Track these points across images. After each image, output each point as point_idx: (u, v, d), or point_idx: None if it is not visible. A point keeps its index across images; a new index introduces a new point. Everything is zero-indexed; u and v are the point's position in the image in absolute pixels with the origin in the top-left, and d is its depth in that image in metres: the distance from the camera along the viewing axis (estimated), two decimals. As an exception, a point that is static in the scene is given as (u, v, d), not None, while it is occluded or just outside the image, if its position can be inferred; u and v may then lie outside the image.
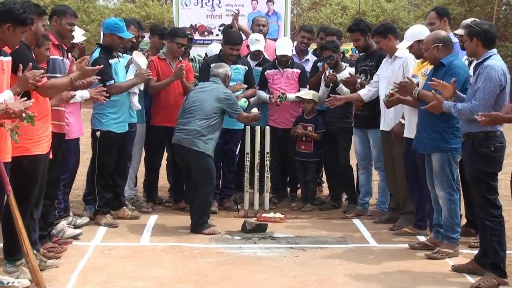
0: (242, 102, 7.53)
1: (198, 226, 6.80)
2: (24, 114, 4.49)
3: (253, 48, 8.23)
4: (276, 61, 8.14)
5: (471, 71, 6.22)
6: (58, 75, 5.74)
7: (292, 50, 8.35)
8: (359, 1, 28.13)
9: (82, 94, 6.43)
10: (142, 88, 7.41)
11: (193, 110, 6.93)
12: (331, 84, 7.78)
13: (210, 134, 6.87)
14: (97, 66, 5.59)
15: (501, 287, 5.21)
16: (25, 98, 4.60)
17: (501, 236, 5.34)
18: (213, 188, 7.08)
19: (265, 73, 8.16)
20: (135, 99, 7.23)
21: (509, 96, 5.42)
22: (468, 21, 6.59)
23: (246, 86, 7.79)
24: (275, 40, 9.27)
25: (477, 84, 5.29)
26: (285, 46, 8.12)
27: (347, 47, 14.67)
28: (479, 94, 5.24)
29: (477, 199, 5.43)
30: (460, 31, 6.66)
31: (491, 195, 5.35)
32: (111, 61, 6.94)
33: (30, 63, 4.77)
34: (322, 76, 7.95)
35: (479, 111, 5.12)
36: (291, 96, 7.97)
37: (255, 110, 7.39)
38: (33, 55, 5.18)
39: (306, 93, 7.95)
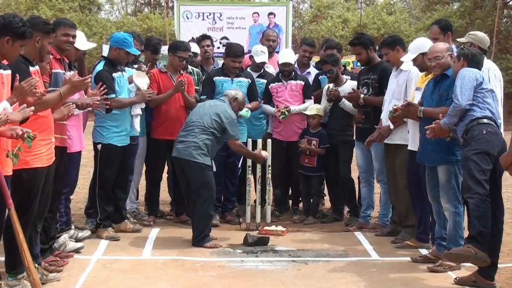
0: (244, 112, 7.54)
1: (200, 239, 6.79)
2: (25, 135, 4.50)
3: (258, 60, 8.21)
4: (280, 74, 8.15)
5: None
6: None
7: (295, 63, 8.34)
8: (360, 14, 28.23)
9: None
10: (141, 108, 7.38)
11: (193, 124, 6.96)
12: (333, 99, 7.78)
13: (209, 148, 6.88)
14: (87, 76, 5.52)
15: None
16: (25, 106, 4.58)
17: (484, 212, 5.24)
18: (213, 201, 7.04)
19: (269, 86, 8.16)
20: (137, 121, 7.23)
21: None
22: (474, 33, 6.63)
23: (250, 107, 7.77)
24: (277, 53, 9.29)
25: (454, 85, 5.60)
26: (287, 55, 8.14)
27: (348, 59, 14.67)
28: (456, 90, 5.54)
29: (465, 179, 5.44)
30: (463, 39, 6.67)
31: (480, 176, 5.31)
32: (114, 74, 6.93)
33: (33, 78, 4.76)
34: (324, 91, 7.95)
35: (459, 102, 5.48)
36: (294, 108, 7.97)
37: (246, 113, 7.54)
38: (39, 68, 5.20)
39: (310, 109, 7.92)
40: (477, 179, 5.32)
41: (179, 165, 7.00)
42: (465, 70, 5.60)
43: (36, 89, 4.71)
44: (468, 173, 5.37)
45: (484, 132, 5.40)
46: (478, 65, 5.76)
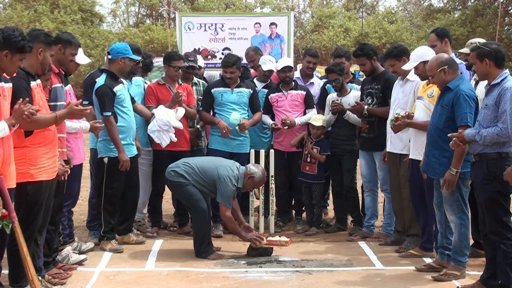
0: (233, 119, 7.59)
1: (202, 250, 6.78)
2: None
3: (266, 67, 8.21)
4: (280, 83, 8.15)
5: (477, 91, 6.20)
6: (59, 103, 5.74)
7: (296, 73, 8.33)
8: (362, 23, 28.28)
9: (81, 126, 6.42)
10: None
11: (197, 163, 6.95)
12: (338, 112, 7.77)
13: (194, 182, 6.85)
14: (88, 107, 5.44)
15: None
16: None
17: None
18: (203, 211, 6.87)
19: (269, 96, 8.15)
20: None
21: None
22: (475, 40, 6.55)
23: (248, 123, 7.77)
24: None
25: (502, 107, 5.16)
26: (285, 61, 8.18)
27: (351, 69, 14.65)
28: (506, 117, 5.14)
29: (491, 222, 5.35)
30: (465, 50, 6.61)
31: (505, 217, 5.32)
32: (116, 88, 6.87)
33: (27, 98, 4.77)
34: (328, 101, 7.93)
35: (507, 134, 5.12)
36: (298, 121, 7.96)
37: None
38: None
39: (316, 120, 7.86)
40: (504, 222, 5.30)
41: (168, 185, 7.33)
42: None
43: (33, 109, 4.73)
44: (495, 215, 5.31)
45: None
46: (505, 62, 5.39)
